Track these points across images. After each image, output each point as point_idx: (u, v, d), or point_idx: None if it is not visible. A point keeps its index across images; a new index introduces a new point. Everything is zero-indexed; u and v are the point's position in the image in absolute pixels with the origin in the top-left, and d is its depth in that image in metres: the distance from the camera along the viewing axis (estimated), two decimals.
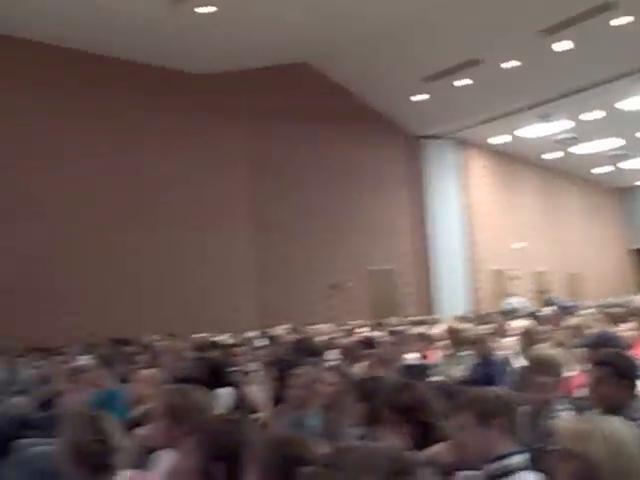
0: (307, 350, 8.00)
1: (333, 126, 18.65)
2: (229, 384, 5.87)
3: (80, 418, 2.85)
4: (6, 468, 5.39)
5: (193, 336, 11.87)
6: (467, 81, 17.14)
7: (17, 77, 14.46)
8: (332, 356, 7.91)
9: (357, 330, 11.80)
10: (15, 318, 13.66)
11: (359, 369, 6.22)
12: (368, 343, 8.16)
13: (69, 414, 3.69)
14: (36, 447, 5.39)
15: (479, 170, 22.68)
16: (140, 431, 4.19)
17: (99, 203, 15.25)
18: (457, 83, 17.24)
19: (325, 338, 10.27)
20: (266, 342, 10.71)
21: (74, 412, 3.44)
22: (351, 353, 7.27)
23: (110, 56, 15.42)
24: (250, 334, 12.59)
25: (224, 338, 11.90)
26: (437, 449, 2.99)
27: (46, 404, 7.53)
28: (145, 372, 5.65)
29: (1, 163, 13.97)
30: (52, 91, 14.85)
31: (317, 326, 13.46)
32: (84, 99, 15.22)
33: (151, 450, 3.66)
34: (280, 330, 12.86)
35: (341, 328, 12.98)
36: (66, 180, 14.87)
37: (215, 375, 5.66)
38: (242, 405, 5.52)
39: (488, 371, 6.65)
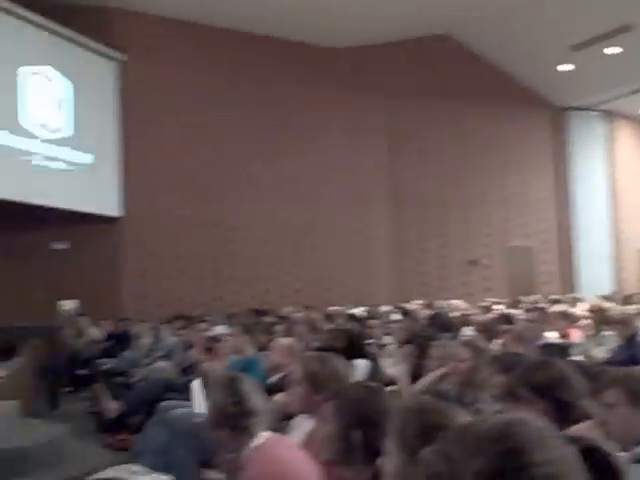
0: (442, 325, 7.92)
1: (474, 99, 18.19)
2: (364, 356, 5.90)
3: (220, 381, 2.93)
4: (150, 427, 5.67)
5: (329, 308, 12.03)
6: (617, 49, 16.25)
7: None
8: (468, 332, 7.79)
9: (494, 307, 11.57)
10: (162, 285, 14.38)
11: (495, 346, 6.09)
12: (506, 320, 7.97)
13: (210, 378, 3.83)
14: (178, 409, 5.63)
15: (627, 143, 21.52)
16: (277, 397, 4.28)
17: (245, 179, 15.68)
18: (607, 51, 16.38)
19: (460, 314, 10.13)
20: (400, 316, 10.69)
21: (215, 376, 3.55)
22: (488, 329, 7.11)
23: (247, 31, 15.74)
24: (384, 308, 12.61)
25: (358, 311, 11.98)
26: (577, 428, 2.87)
27: (188, 369, 7.87)
28: (282, 341, 5.75)
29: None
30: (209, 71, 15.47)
31: (452, 302, 13.30)
32: (229, 78, 15.69)
33: (288, 416, 3.74)
34: (414, 305, 12.80)
35: (477, 305, 12.77)
36: (223, 161, 15.46)
37: (352, 346, 5.70)
38: (376, 377, 5.54)
39: (633, 352, 6.36)
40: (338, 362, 3.26)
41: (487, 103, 18.38)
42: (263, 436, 2.75)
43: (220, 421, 2.76)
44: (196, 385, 5.80)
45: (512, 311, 10.07)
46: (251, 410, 2.77)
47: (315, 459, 2.65)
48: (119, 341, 11.36)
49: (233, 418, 2.73)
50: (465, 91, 18.02)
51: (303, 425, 3.33)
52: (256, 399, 2.83)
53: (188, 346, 9.14)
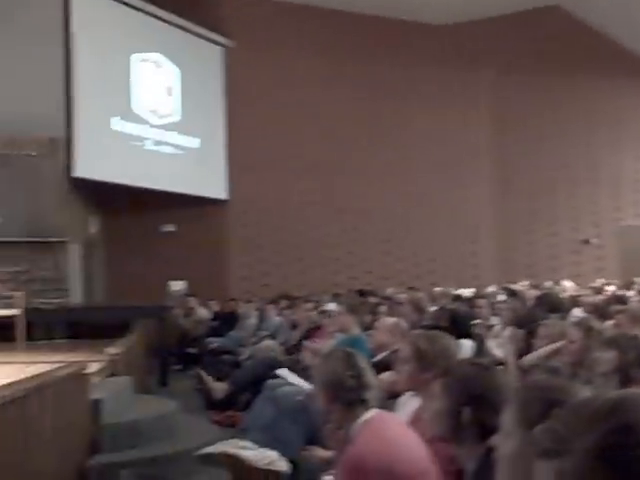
0: (550, 306, 7.71)
1: (585, 73, 17.44)
2: (470, 336, 5.83)
3: (337, 355, 2.95)
4: (257, 405, 5.80)
5: (434, 289, 11.95)
6: None
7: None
8: (577, 313, 7.56)
9: (605, 289, 11.18)
10: (267, 266, 14.62)
11: (608, 327, 5.88)
12: (618, 301, 7.69)
13: (324, 352, 3.87)
14: (284, 387, 5.73)
15: None
16: (383, 376, 4.28)
17: (349, 162, 15.70)
18: None
19: (569, 295, 9.85)
20: (506, 297, 10.48)
21: (328, 351, 3.57)
22: (599, 310, 6.89)
23: (352, 11, 15.67)
24: (490, 289, 12.42)
25: (466, 292, 11.84)
26: None
27: (293, 348, 7.99)
28: (388, 320, 5.75)
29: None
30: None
31: (560, 283, 12.96)
32: (332, 59, 15.69)
33: (394, 395, 3.73)
34: (520, 286, 12.53)
35: (586, 286, 12.39)
36: (328, 144, 15.53)
37: (456, 326, 5.63)
38: (482, 357, 5.47)
39: None
40: (447, 340, 3.23)
41: (599, 77, 17.60)
42: (372, 412, 2.75)
43: (334, 395, 2.78)
44: (283, 372, 5.91)
45: (626, 292, 9.71)
46: (367, 384, 2.78)
47: (422, 437, 2.64)
48: (226, 321, 11.65)
49: (349, 391, 2.75)
50: (575, 65, 17.34)
51: (410, 403, 3.32)
52: (370, 374, 2.85)
53: (293, 326, 9.30)
